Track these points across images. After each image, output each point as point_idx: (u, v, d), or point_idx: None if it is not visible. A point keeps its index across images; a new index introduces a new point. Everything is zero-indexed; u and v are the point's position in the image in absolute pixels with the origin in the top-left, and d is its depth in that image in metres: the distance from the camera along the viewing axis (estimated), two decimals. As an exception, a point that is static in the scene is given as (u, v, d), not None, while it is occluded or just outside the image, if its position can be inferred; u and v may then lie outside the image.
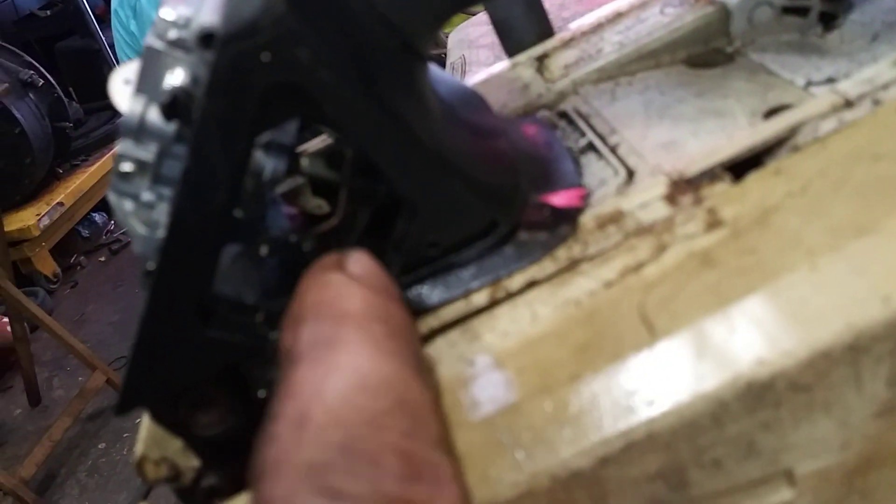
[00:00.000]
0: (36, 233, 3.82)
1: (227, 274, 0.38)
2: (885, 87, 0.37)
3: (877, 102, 0.36)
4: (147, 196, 0.37)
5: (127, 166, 0.36)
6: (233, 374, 0.39)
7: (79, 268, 4.35)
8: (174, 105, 0.34)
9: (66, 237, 4.19)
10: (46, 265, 4.05)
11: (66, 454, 2.88)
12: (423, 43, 0.37)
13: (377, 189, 0.39)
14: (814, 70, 0.45)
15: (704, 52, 0.51)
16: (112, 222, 4.62)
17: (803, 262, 0.31)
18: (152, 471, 0.39)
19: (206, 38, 0.34)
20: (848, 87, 0.37)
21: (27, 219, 3.83)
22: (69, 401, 2.88)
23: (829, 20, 0.50)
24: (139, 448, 0.40)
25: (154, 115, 0.35)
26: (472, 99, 0.46)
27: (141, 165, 0.36)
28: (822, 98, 0.38)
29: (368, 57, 0.34)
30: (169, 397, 0.38)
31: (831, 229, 0.31)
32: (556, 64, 0.53)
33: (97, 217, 4.52)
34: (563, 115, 0.49)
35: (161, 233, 0.36)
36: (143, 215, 0.37)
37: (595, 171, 0.43)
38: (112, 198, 0.37)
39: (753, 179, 0.36)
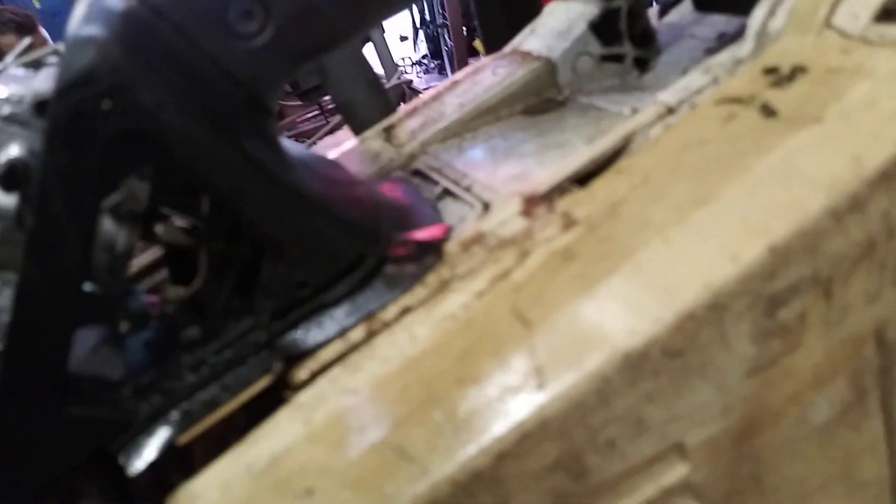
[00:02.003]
0: None
1: (89, 354, 0.36)
2: (699, 91, 0.40)
3: (693, 106, 0.40)
4: None
5: None
6: (101, 459, 0.36)
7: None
8: (13, 175, 0.33)
9: None
10: None
11: None
12: (270, 97, 0.38)
13: (239, 248, 0.39)
14: (637, 101, 0.49)
15: (539, 103, 0.54)
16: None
17: (655, 237, 0.33)
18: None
19: (42, 105, 0.33)
20: (667, 96, 0.41)
21: None
22: None
23: (642, 64, 0.55)
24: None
25: None
26: (325, 160, 0.47)
27: None
28: (648, 110, 0.41)
29: (216, 106, 0.34)
30: (34, 496, 0.35)
31: (675, 206, 0.34)
32: (403, 131, 0.55)
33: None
34: (416, 173, 0.51)
35: (6, 316, 0.34)
36: None
37: (453, 210, 0.44)
38: None
39: (598, 182, 0.38)
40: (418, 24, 4.73)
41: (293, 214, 0.35)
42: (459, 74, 0.58)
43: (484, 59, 0.59)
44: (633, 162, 0.37)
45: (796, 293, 0.32)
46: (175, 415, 0.35)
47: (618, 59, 0.55)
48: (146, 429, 0.35)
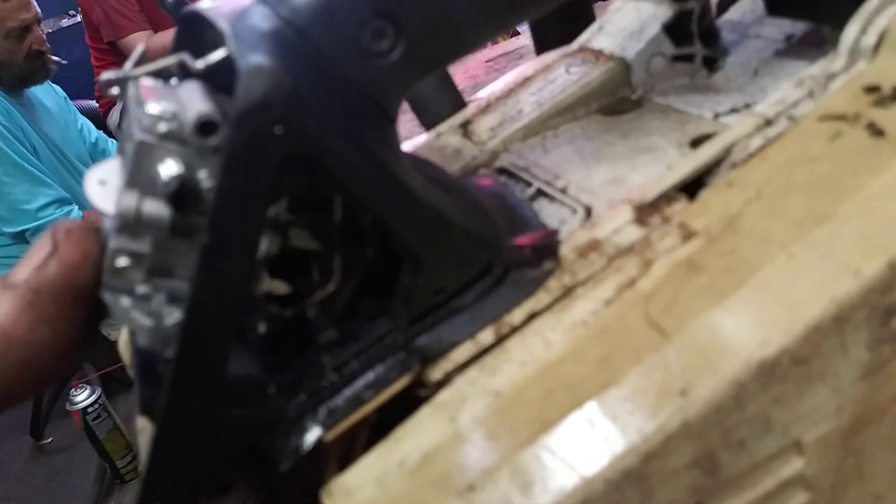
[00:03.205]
0: None
1: (235, 355, 0.38)
2: (795, 104, 0.43)
3: (791, 118, 0.42)
4: (142, 289, 0.37)
5: (122, 261, 0.36)
6: (250, 454, 0.39)
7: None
8: (181, 192, 0.35)
9: None
10: None
11: None
12: (395, 108, 0.40)
13: (366, 252, 0.41)
14: (715, 104, 0.52)
15: (614, 102, 0.56)
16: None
17: (779, 253, 0.35)
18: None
19: (206, 126, 0.35)
20: (764, 108, 0.43)
21: None
22: None
23: (711, 63, 0.57)
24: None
25: (150, 208, 0.36)
26: (425, 162, 0.49)
27: (136, 259, 0.36)
28: (745, 121, 0.43)
29: (360, 124, 0.36)
30: (190, 489, 0.37)
31: (794, 223, 0.36)
32: (481, 128, 0.57)
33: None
34: (503, 171, 0.53)
35: (170, 321, 0.37)
36: (144, 308, 0.37)
37: (551, 213, 0.47)
38: (107, 296, 0.37)
39: (709, 194, 0.40)
40: None
41: (432, 230, 0.37)
42: (529, 70, 0.60)
43: (552, 55, 0.61)
44: (743, 175, 0.40)
45: (907, 303, 0.35)
46: (322, 412, 0.38)
47: (688, 58, 0.57)
48: (295, 426, 0.38)
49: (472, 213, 0.41)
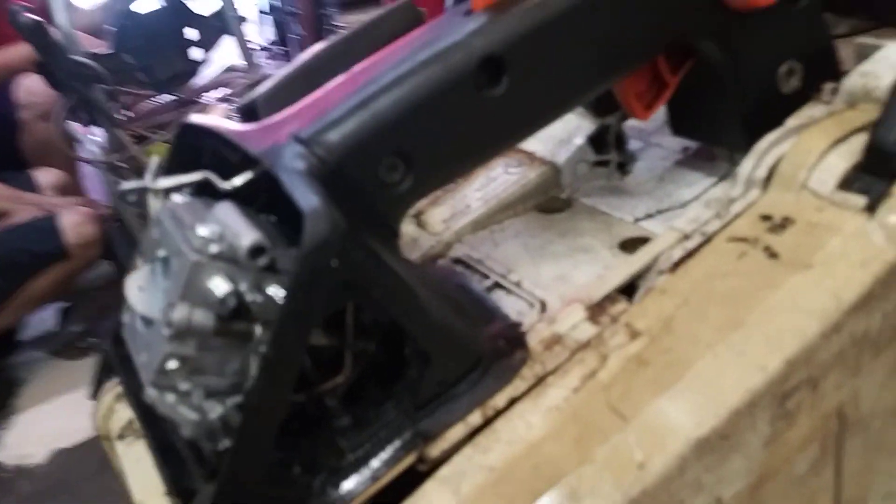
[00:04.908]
0: None
1: None
2: (706, 222, 0.54)
3: (703, 234, 0.53)
4: (184, 386, 0.43)
5: (172, 364, 0.42)
6: None
7: None
8: (240, 309, 0.42)
9: None
10: None
11: None
12: (399, 227, 0.48)
13: (372, 347, 0.49)
14: (633, 208, 0.63)
15: (547, 200, 0.67)
16: None
17: (707, 352, 0.46)
18: None
19: (257, 251, 0.42)
20: (682, 224, 0.54)
21: None
22: None
23: (622, 167, 0.69)
24: None
25: (198, 317, 0.42)
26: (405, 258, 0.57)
27: (183, 361, 0.42)
28: (668, 234, 0.54)
29: (385, 247, 0.44)
30: None
31: (716, 327, 0.47)
32: (434, 219, 0.66)
33: None
34: (459, 261, 0.62)
35: (213, 415, 0.43)
36: (187, 403, 0.43)
37: (509, 304, 0.56)
38: (153, 393, 0.43)
39: (648, 299, 0.51)
40: (266, 10, 4.70)
41: (439, 331, 0.45)
42: (470, 166, 0.69)
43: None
44: (672, 284, 0.51)
45: (797, 389, 0.47)
46: (344, 488, 0.45)
47: (605, 163, 0.68)
48: (321, 500, 0.45)
49: (460, 313, 0.50)
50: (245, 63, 2.21)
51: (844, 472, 0.53)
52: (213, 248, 0.42)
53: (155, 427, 0.52)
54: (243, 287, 0.43)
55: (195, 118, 0.56)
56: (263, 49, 4.34)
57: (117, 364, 0.58)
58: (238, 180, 0.47)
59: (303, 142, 0.45)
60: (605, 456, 0.44)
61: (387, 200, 0.46)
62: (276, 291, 0.43)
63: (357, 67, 0.51)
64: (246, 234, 0.42)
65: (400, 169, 0.46)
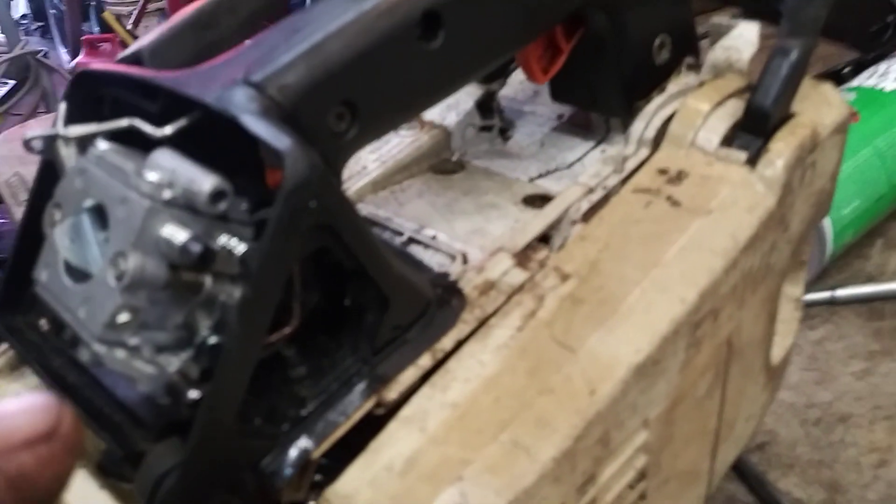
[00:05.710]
0: None
1: None
2: (606, 178, 0.59)
3: (605, 188, 0.59)
4: (133, 341, 0.41)
5: (124, 317, 0.40)
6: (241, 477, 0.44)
7: None
8: (206, 257, 0.40)
9: None
10: None
11: None
12: (341, 175, 0.49)
13: (315, 297, 0.48)
14: (524, 170, 0.67)
15: (439, 162, 0.69)
16: None
17: (634, 289, 0.51)
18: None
19: (218, 195, 0.40)
20: (585, 179, 0.59)
21: None
22: None
23: (503, 132, 0.73)
24: None
25: (151, 267, 0.40)
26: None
27: (134, 314, 0.40)
28: (574, 189, 0.59)
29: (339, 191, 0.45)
30: None
31: (639, 266, 0.52)
32: (332, 180, 0.65)
33: None
34: (366, 220, 0.62)
35: (171, 368, 0.41)
36: (140, 357, 0.41)
37: (427, 258, 0.58)
38: (101, 349, 0.40)
39: (570, 245, 0.55)
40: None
41: (396, 276, 0.46)
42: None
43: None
44: (591, 231, 0.55)
45: (705, 319, 0.53)
46: (305, 436, 0.45)
47: (488, 129, 0.71)
48: (284, 449, 0.44)
49: (406, 261, 0.51)
50: (7, 40, 2.03)
51: (727, 395, 0.60)
52: (167, 194, 0.40)
53: (75, 394, 0.48)
54: (206, 237, 0.41)
55: (95, 66, 0.52)
56: (17, 24, 3.98)
57: (4, 332, 0.53)
58: (171, 127, 0.45)
59: (255, 85, 0.44)
60: (560, 385, 0.47)
61: (334, 150, 0.46)
62: (228, 241, 0.42)
63: (289, 19, 0.50)
64: (205, 179, 0.41)
65: (346, 118, 0.47)
